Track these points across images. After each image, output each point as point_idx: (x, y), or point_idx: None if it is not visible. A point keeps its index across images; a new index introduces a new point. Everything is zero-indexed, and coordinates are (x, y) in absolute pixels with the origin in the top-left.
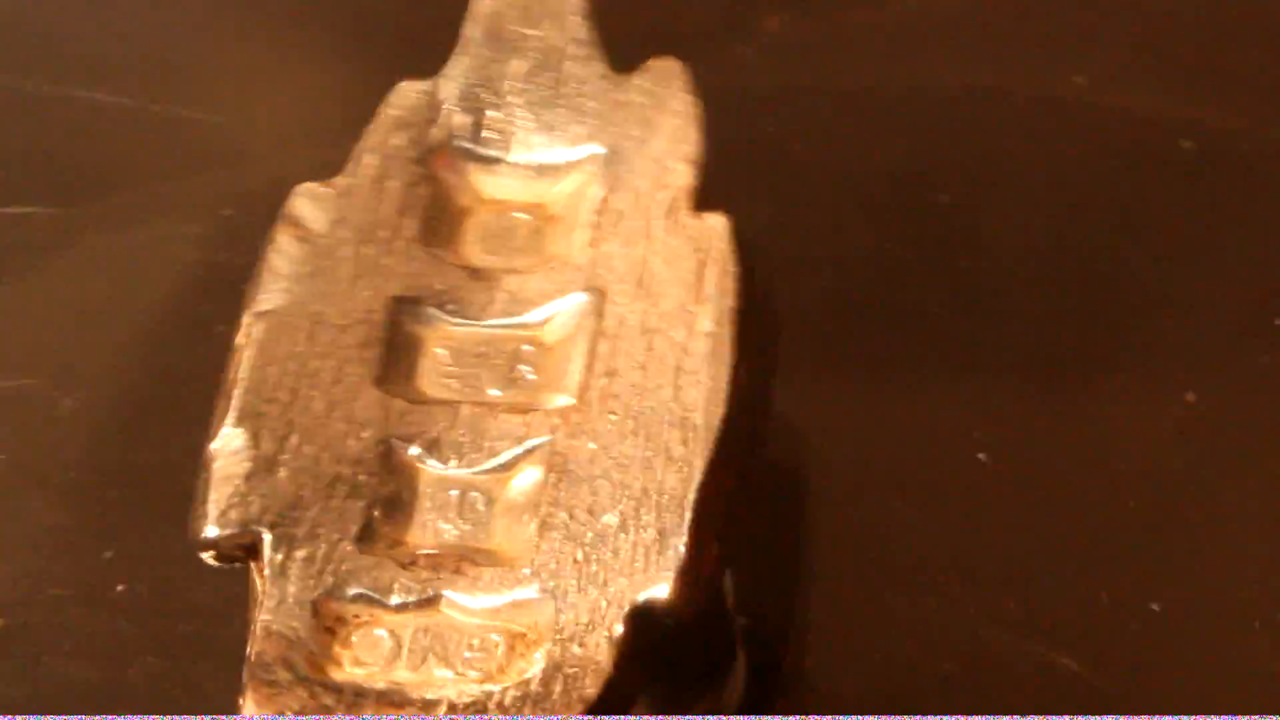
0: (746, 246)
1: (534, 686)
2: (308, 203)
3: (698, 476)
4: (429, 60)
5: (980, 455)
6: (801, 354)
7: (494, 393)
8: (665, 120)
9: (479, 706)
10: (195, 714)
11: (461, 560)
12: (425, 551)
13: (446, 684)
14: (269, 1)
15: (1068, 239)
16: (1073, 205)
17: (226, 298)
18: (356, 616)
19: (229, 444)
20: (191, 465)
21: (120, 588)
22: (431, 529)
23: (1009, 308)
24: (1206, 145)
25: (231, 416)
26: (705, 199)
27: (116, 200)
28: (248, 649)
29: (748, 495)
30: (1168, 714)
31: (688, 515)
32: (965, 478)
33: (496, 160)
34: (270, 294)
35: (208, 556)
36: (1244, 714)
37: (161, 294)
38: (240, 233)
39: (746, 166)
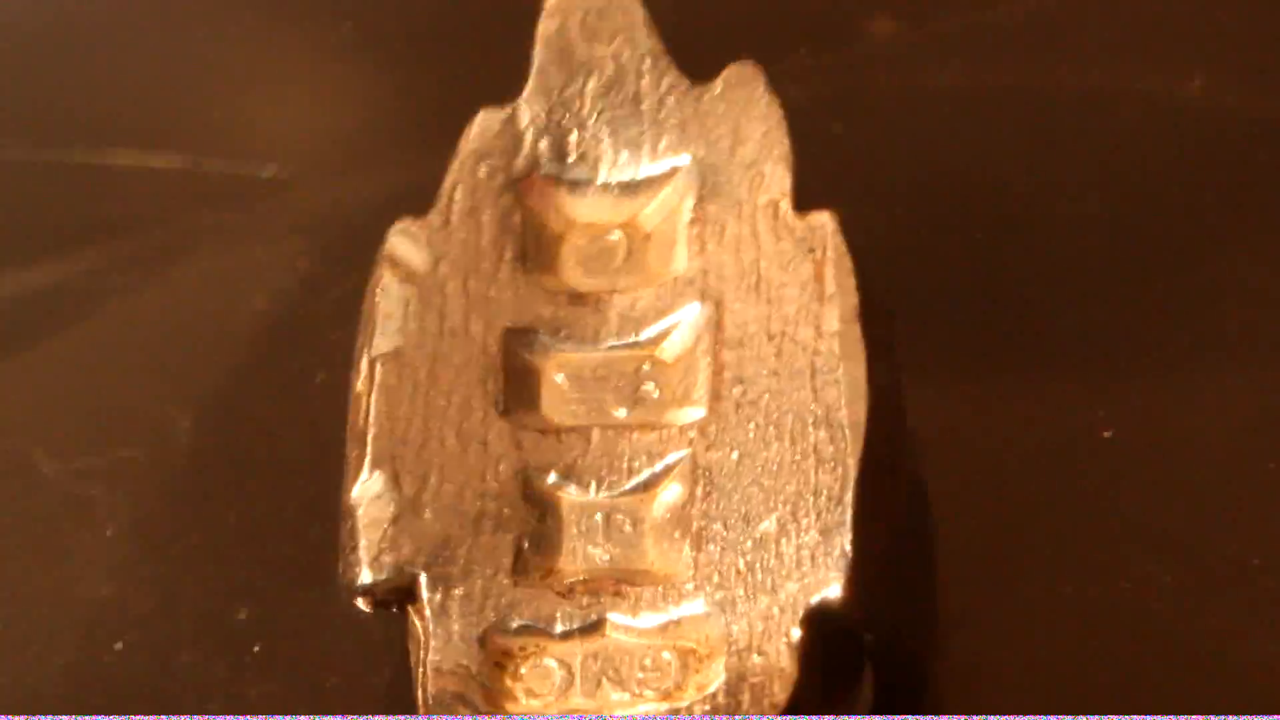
0: (854, 244)
1: (720, 698)
2: (406, 242)
3: (853, 474)
4: (469, 86)
5: (1106, 433)
6: (913, 351)
7: (621, 413)
8: (752, 125)
9: None
10: None
11: (618, 583)
12: (580, 578)
13: (624, 706)
14: (285, 39)
15: (1181, 237)
16: (1189, 206)
17: (315, 345)
18: (523, 649)
19: (370, 489)
20: (312, 517)
21: (258, 647)
22: (581, 555)
23: (1117, 298)
24: None
25: (368, 462)
26: (807, 201)
27: (182, 260)
28: (419, 691)
29: (881, 497)
30: None
31: (849, 514)
32: (1094, 457)
33: (584, 182)
34: (384, 336)
35: (363, 603)
36: None
37: (246, 349)
38: (314, 280)
39: (854, 170)
